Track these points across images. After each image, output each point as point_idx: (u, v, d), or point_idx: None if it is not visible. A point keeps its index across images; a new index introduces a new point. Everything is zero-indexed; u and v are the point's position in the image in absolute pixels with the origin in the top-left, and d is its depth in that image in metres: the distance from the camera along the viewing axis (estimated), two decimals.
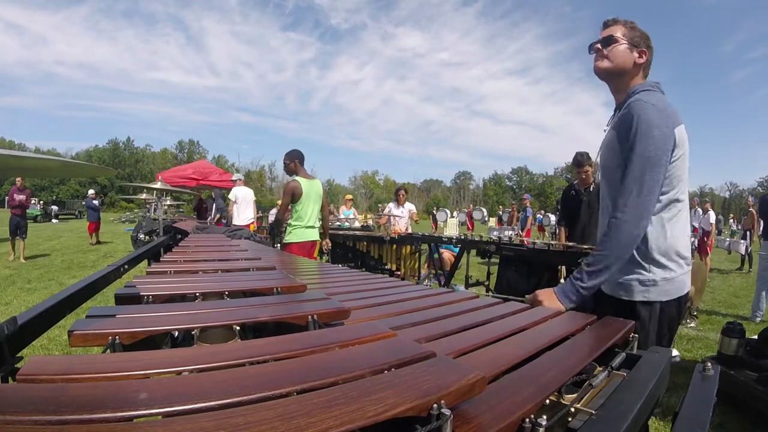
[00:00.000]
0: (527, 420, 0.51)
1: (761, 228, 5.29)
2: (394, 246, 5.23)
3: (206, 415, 0.41)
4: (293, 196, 3.79)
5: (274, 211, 10.67)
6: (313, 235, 3.99)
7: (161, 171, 12.44)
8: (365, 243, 5.48)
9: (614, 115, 1.44)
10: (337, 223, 7.48)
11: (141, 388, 0.45)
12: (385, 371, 0.54)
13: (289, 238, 3.90)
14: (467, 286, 4.55)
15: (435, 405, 0.45)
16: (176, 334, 0.77)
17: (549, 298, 1.27)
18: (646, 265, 1.31)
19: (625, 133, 1.28)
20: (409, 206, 6.66)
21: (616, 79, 1.42)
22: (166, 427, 0.38)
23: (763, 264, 4.96)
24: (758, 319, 4.82)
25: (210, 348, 0.68)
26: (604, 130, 1.45)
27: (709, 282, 7.17)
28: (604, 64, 1.40)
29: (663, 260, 1.30)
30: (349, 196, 9.77)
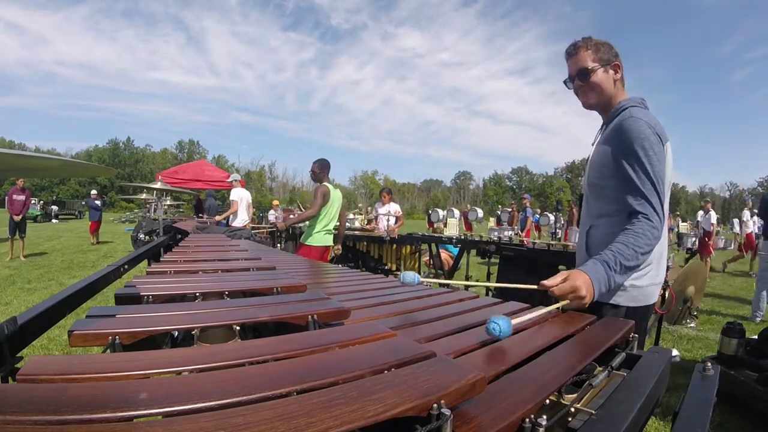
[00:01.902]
0: (527, 420, 0.51)
1: (759, 227, 5.28)
2: (394, 246, 5.23)
3: (206, 415, 0.41)
4: (324, 199, 3.91)
5: (272, 212, 10.69)
6: (330, 240, 4.11)
7: (161, 171, 12.45)
8: (365, 243, 5.49)
9: (602, 130, 1.44)
10: None
11: (141, 388, 0.45)
12: (385, 371, 0.54)
13: (310, 241, 3.98)
14: (467, 286, 4.55)
15: (435, 405, 0.45)
16: (176, 334, 0.77)
17: (587, 287, 1.09)
18: None
19: (622, 150, 1.26)
20: (394, 206, 6.90)
21: (605, 102, 1.42)
22: (166, 427, 0.38)
23: (763, 264, 4.96)
24: (758, 319, 4.82)
25: (210, 348, 0.68)
26: (592, 145, 1.46)
27: (709, 282, 7.17)
28: (592, 99, 1.41)
29: (640, 268, 1.30)
30: None
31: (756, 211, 8.70)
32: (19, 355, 0.74)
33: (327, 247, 4.10)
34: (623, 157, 1.25)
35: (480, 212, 7.53)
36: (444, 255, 5.52)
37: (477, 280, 4.77)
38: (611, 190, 1.32)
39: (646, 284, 1.34)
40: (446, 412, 0.45)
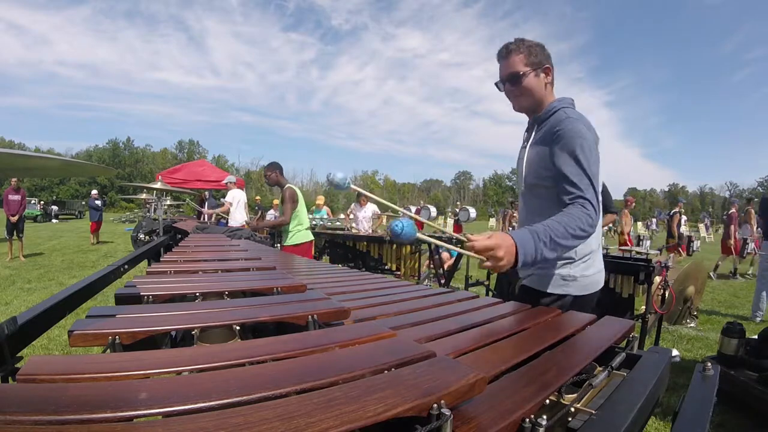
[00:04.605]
0: (527, 420, 0.51)
1: (757, 228, 5.29)
2: (394, 246, 5.23)
3: (206, 415, 0.40)
4: (295, 204, 4.08)
5: (272, 211, 10.70)
6: (310, 235, 4.30)
7: (161, 171, 12.47)
8: (365, 243, 5.49)
9: (534, 130, 1.45)
10: (314, 223, 7.86)
11: (141, 388, 0.45)
12: (385, 371, 0.54)
13: (293, 241, 4.12)
14: (467, 286, 4.55)
15: (435, 405, 0.45)
16: (176, 334, 0.77)
17: (508, 251, 1.07)
18: (568, 262, 1.39)
19: (562, 150, 1.29)
20: (372, 207, 7.33)
21: (536, 104, 1.44)
22: (166, 427, 0.38)
23: (763, 264, 4.96)
24: (758, 319, 4.82)
25: (210, 348, 0.67)
26: (524, 147, 1.48)
27: (709, 282, 7.17)
28: (523, 103, 1.43)
29: (584, 259, 1.40)
30: (321, 198, 10.26)
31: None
32: (19, 355, 0.74)
33: (310, 242, 4.29)
34: (563, 156, 1.28)
35: (472, 212, 7.41)
36: (445, 255, 5.52)
37: (477, 281, 4.77)
38: (550, 189, 1.35)
39: (593, 272, 1.43)
40: (446, 412, 0.45)
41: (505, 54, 1.40)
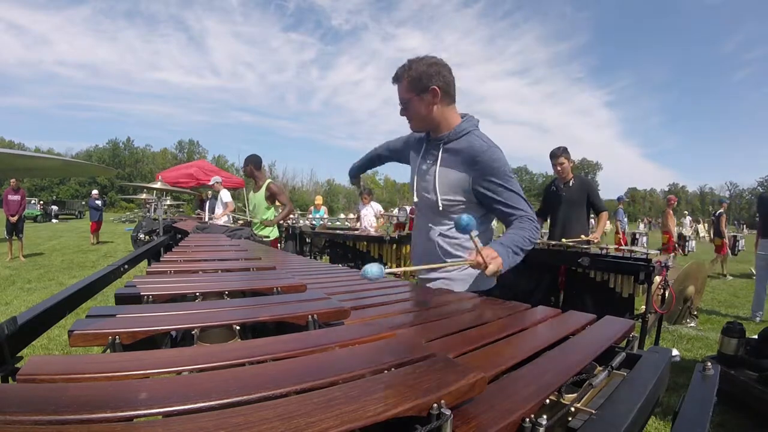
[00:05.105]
0: (527, 420, 0.51)
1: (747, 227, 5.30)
2: (394, 246, 5.23)
3: (206, 415, 0.40)
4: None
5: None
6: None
7: (161, 171, 12.48)
8: (365, 243, 5.49)
9: (440, 149, 1.51)
10: (314, 222, 8.00)
11: (141, 388, 0.45)
12: (385, 371, 0.54)
13: (274, 234, 4.41)
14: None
15: (435, 405, 0.45)
16: (176, 334, 0.77)
17: (497, 264, 1.25)
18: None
19: (492, 177, 1.41)
20: (376, 206, 7.47)
21: (432, 126, 1.51)
22: (166, 427, 0.38)
23: (761, 263, 4.96)
24: (758, 319, 4.82)
25: (210, 348, 0.67)
26: (428, 163, 1.55)
27: (709, 282, 7.17)
28: (415, 125, 1.53)
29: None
30: (320, 198, 10.39)
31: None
32: (19, 355, 0.74)
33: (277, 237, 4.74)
34: (494, 186, 1.42)
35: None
36: None
37: None
38: (460, 208, 1.48)
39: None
40: (446, 412, 0.45)
41: (395, 79, 1.48)
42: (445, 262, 1.49)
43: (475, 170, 1.42)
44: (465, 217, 1.05)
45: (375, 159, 1.98)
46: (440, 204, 1.50)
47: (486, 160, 1.41)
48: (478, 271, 1.41)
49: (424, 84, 1.41)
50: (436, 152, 1.52)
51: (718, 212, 8.94)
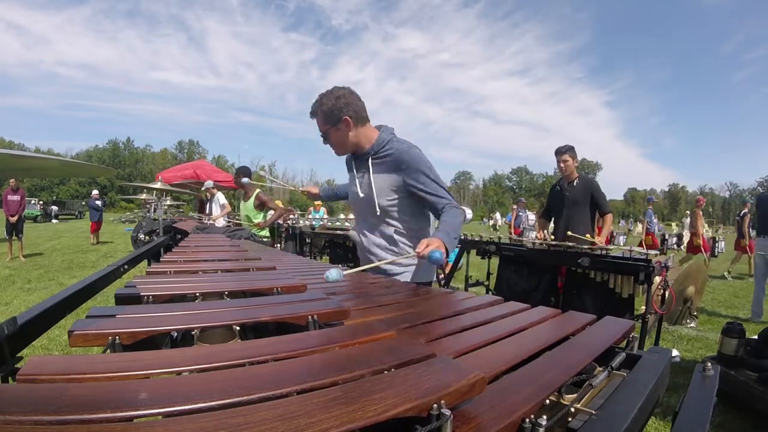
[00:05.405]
0: (527, 420, 0.51)
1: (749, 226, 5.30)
2: None
3: (206, 415, 0.40)
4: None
5: (271, 212, 10.72)
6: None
7: (161, 171, 12.50)
8: None
9: (366, 162, 1.69)
10: (314, 223, 8.00)
11: (141, 388, 0.45)
12: (385, 371, 0.54)
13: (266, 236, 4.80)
14: (467, 286, 4.54)
15: (435, 405, 0.45)
16: (176, 334, 0.77)
17: (436, 246, 1.41)
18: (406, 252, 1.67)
19: (417, 175, 1.60)
20: None
21: (354, 148, 1.70)
22: (166, 427, 0.38)
23: (760, 263, 4.96)
24: (758, 319, 4.82)
25: (210, 348, 0.67)
26: (362, 175, 1.73)
27: (709, 282, 7.17)
28: (338, 151, 1.72)
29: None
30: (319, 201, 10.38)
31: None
32: (19, 355, 0.74)
33: None
34: (420, 179, 1.61)
35: (469, 213, 7.35)
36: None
37: (477, 281, 4.77)
38: (399, 209, 1.68)
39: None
40: (446, 412, 0.45)
41: (312, 114, 1.65)
42: (388, 258, 1.69)
43: (403, 169, 1.62)
44: (333, 272, 1.28)
45: (340, 194, 2.24)
46: (377, 208, 1.69)
47: (411, 158, 1.61)
48: (419, 264, 1.70)
49: (336, 116, 1.58)
50: (366, 165, 1.70)
51: (742, 212, 8.90)
